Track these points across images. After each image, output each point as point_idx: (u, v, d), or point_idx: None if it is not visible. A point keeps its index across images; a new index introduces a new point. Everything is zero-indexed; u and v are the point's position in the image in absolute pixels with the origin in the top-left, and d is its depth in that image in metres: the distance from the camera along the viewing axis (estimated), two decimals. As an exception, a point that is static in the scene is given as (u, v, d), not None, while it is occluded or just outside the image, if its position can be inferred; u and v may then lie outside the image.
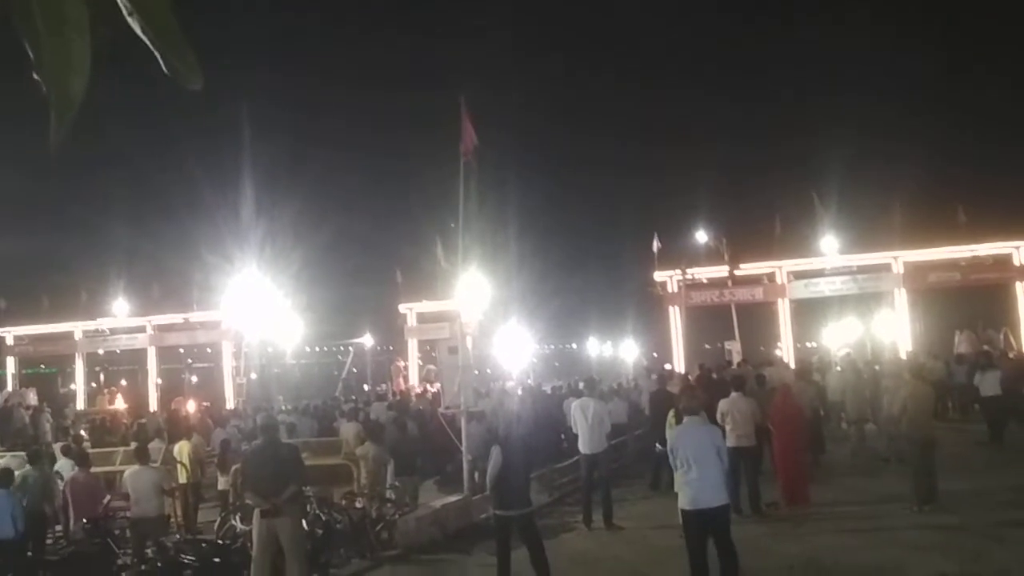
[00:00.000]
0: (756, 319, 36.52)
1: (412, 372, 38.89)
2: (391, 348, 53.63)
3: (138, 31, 1.51)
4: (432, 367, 34.99)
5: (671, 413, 12.39)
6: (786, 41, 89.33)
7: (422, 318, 37.78)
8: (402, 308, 38.29)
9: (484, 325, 28.19)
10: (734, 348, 34.60)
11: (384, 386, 41.02)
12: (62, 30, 1.45)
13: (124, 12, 1.49)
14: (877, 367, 22.57)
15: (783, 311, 33.14)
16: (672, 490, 12.18)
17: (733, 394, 13.37)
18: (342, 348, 55.85)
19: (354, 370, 51.62)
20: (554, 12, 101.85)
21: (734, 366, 25.28)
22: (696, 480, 8.37)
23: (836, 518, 12.45)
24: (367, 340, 52.44)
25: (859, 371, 20.90)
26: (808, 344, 41.76)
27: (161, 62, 1.55)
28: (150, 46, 1.52)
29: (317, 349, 58.97)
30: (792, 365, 25.70)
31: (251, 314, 23.42)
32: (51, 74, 1.46)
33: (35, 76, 1.48)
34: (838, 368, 22.69)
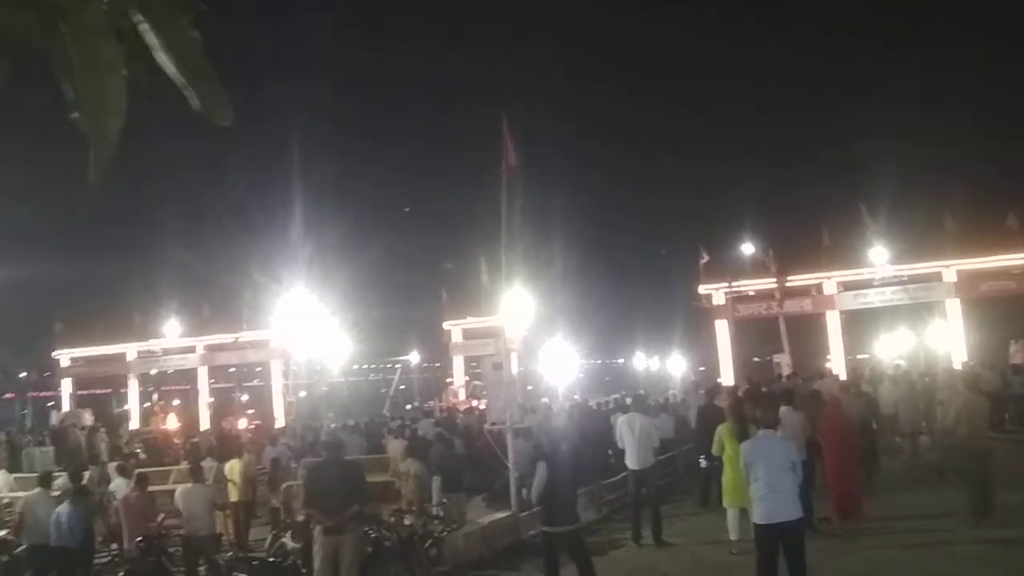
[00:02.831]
0: (805, 331, 36.05)
1: (459, 388, 39.07)
2: (437, 365, 53.86)
3: (169, 70, 1.55)
4: (478, 383, 35.09)
5: (721, 428, 12.28)
6: (832, 53, 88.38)
7: (467, 334, 37.96)
8: (447, 325, 38.49)
9: (529, 341, 28.20)
10: (783, 361, 34.21)
11: (431, 403, 41.20)
12: (96, 71, 1.48)
13: (157, 53, 1.52)
14: (929, 379, 22.16)
15: (832, 323, 32.71)
16: (721, 506, 12.15)
17: (783, 408, 13.19)
18: (389, 365, 56.27)
19: (401, 387, 51.94)
20: (599, 28, 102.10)
21: (783, 379, 24.97)
22: (771, 494, 8.27)
23: (890, 533, 12.21)
24: (413, 357, 52.75)
25: (912, 383, 20.53)
26: (859, 356, 41.13)
27: (191, 99, 1.58)
28: (180, 84, 1.56)
29: (364, 367, 59.39)
30: (843, 378, 25.31)
31: (299, 333, 23.69)
32: (88, 114, 1.50)
33: (74, 116, 1.53)
34: (890, 380, 22.32)
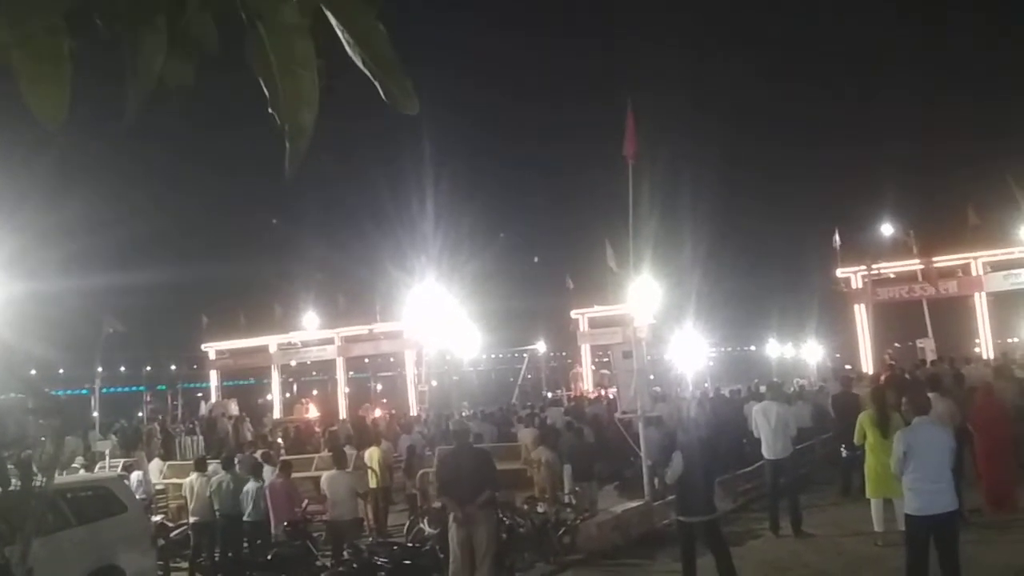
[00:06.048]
0: (950, 315, 34.41)
1: (586, 377, 39.12)
2: (564, 354, 54.02)
3: (360, 64, 1.61)
4: (606, 372, 35.00)
5: (862, 416, 11.85)
6: (978, 38, 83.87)
7: (594, 323, 37.93)
8: (574, 314, 38.55)
9: (656, 329, 27.91)
10: (927, 346, 32.74)
11: (559, 391, 41.33)
12: (292, 66, 1.57)
13: (347, 47, 1.59)
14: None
15: (980, 305, 31.11)
16: (864, 496, 11.74)
17: (929, 394, 12.61)
18: (516, 355, 56.77)
19: (529, 376, 52.31)
20: (731, 12, 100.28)
21: (928, 365, 23.90)
22: (930, 484, 7.91)
23: (1047, 526, 11.52)
24: (540, 346, 53.05)
25: (1071, 368, 19.27)
26: (1009, 340, 38.92)
27: (380, 90, 1.64)
28: (371, 77, 1.62)
29: (493, 356, 60.12)
30: (992, 363, 24.00)
31: (431, 324, 24.21)
32: (284, 109, 1.59)
33: (270, 111, 1.61)
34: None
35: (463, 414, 26.11)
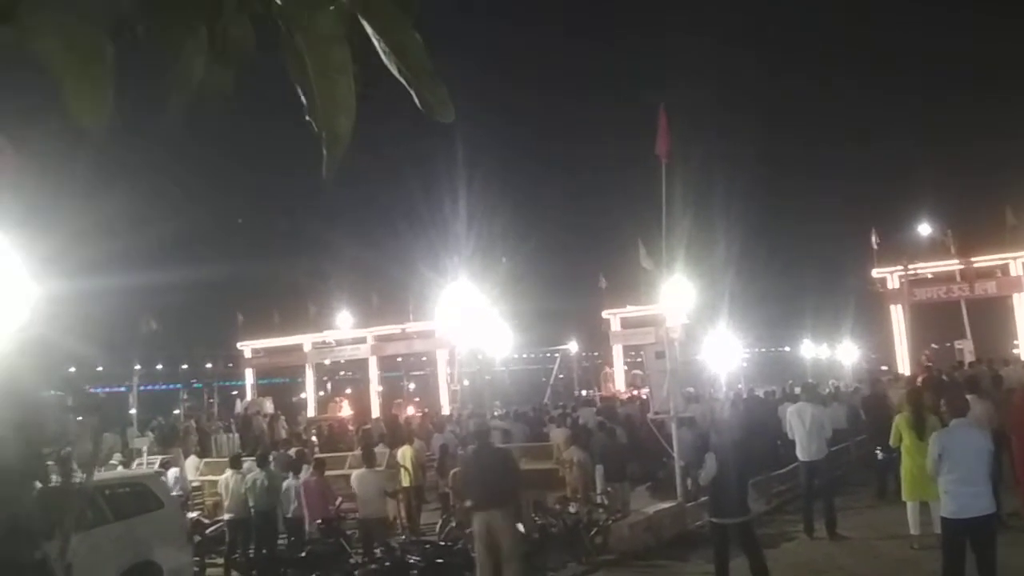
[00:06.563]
0: (989, 315, 33.88)
1: (618, 377, 38.96)
2: (596, 354, 53.87)
3: (394, 71, 1.63)
4: (639, 372, 34.85)
5: (898, 418, 11.71)
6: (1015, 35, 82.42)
7: (626, 323, 37.80)
8: (605, 314, 38.45)
9: (690, 329, 27.71)
10: (965, 347, 32.25)
11: (590, 391, 41.19)
12: (328, 73, 1.59)
13: (382, 55, 1.61)
14: None
15: (1019, 306, 30.61)
16: (899, 499, 11.59)
17: (967, 396, 12.42)
18: (548, 354, 56.69)
19: (561, 376, 52.21)
20: (765, 12, 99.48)
21: (965, 366, 23.56)
22: (966, 487, 7.80)
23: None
24: (572, 346, 52.96)
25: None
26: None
27: (415, 98, 1.66)
28: (405, 84, 1.64)
29: (525, 356, 60.07)
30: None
31: (463, 323, 24.21)
32: (321, 115, 1.61)
33: (307, 118, 1.63)
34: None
35: (496, 413, 26.09)
